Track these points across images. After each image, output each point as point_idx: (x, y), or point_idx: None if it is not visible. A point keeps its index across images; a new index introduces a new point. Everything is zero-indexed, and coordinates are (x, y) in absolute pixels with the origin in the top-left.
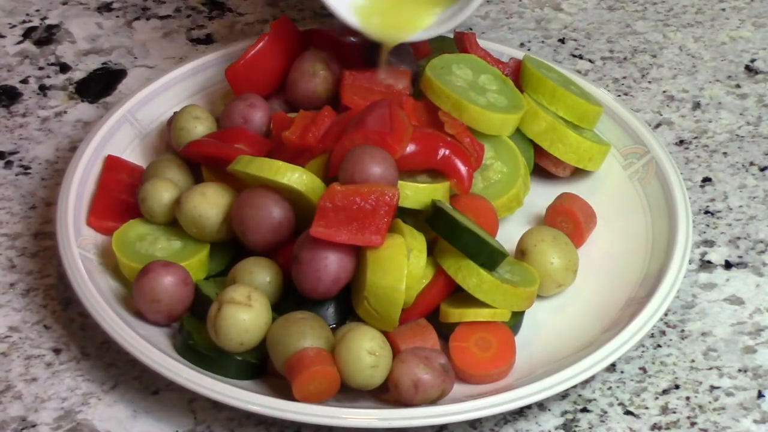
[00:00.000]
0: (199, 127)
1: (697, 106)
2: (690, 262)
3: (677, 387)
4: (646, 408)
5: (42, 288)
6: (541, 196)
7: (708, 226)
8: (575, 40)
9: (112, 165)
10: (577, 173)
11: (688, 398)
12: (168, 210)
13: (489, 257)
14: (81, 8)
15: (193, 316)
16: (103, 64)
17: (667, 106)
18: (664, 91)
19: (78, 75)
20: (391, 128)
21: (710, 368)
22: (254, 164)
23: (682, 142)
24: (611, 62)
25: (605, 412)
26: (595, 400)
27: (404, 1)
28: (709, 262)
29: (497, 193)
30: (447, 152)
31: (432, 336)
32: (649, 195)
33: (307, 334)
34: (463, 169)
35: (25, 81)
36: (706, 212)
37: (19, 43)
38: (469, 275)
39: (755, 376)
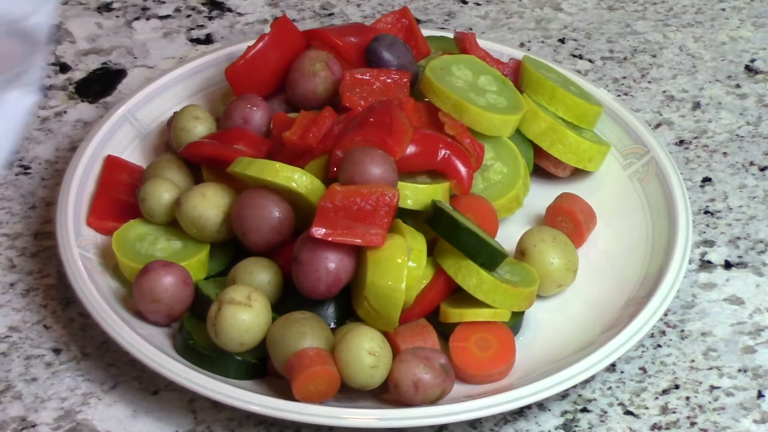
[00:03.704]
0: (199, 128)
1: (697, 106)
2: (690, 262)
3: (677, 387)
4: (646, 408)
5: (42, 288)
6: (541, 196)
7: (708, 226)
8: (575, 40)
9: (112, 165)
10: (577, 173)
11: (688, 398)
12: (168, 210)
13: (489, 257)
14: (81, 8)
15: (193, 316)
16: (103, 64)
17: (667, 106)
18: (664, 91)
19: (78, 75)
20: (391, 129)
21: (710, 368)
22: (254, 166)
23: (682, 142)
24: (611, 62)
25: (605, 412)
26: (595, 400)
27: None
28: (709, 262)
29: (497, 194)
30: (447, 153)
31: (432, 336)
32: (649, 195)
33: (307, 334)
34: (463, 170)
35: None
36: (706, 212)
37: None
38: (469, 275)
39: (755, 376)
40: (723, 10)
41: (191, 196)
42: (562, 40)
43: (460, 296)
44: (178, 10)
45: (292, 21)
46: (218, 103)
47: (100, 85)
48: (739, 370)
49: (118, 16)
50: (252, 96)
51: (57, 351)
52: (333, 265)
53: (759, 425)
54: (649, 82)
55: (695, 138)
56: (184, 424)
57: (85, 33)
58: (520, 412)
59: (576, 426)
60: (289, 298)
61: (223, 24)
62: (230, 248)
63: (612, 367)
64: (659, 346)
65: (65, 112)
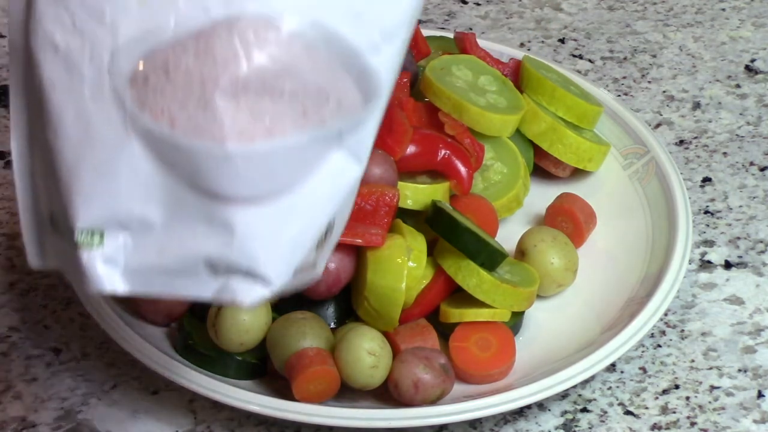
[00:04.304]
0: None
1: (697, 106)
2: (690, 262)
3: (677, 387)
4: (646, 408)
5: (42, 288)
6: (541, 196)
7: (708, 226)
8: (575, 40)
9: None
10: (577, 173)
11: (688, 398)
12: None
13: (489, 257)
14: None
15: (193, 316)
16: None
17: (667, 106)
18: (664, 91)
19: None
20: (391, 129)
21: (710, 368)
22: None
23: (682, 142)
24: (611, 62)
25: (605, 412)
26: (595, 400)
27: None
28: (709, 262)
29: (497, 194)
30: (447, 153)
31: (432, 336)
32: (649, 195)
33: (307, 334)
34: (463, 170)
35: None
36: (706, 212)
37: None
38: (469, 275)
39: (755, 376)
40: (723, 10)
41: None
42: (562, 40)
43: (460, 296)
44: None
45: None
46: None
47: None
48: (739, 370)
49: None
50: None
51: (57, 351)
52: (333, 265)
53: (759, 425)
54: (649, 82)
55: (695, 138)
56: (184, 424)
57: None
58: (520, 412)
59: (576, 426)
60: (289, 298)
61: None
62: None
63: (612, 367)
64: (659, 346)
65: None
